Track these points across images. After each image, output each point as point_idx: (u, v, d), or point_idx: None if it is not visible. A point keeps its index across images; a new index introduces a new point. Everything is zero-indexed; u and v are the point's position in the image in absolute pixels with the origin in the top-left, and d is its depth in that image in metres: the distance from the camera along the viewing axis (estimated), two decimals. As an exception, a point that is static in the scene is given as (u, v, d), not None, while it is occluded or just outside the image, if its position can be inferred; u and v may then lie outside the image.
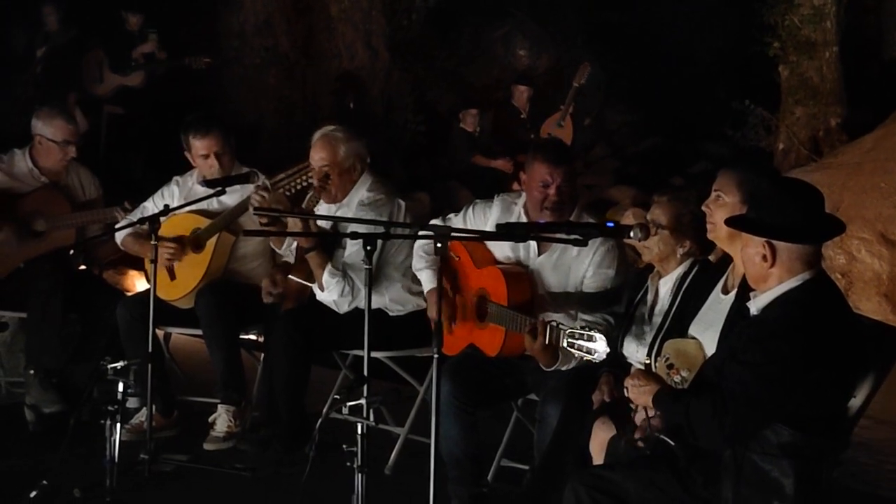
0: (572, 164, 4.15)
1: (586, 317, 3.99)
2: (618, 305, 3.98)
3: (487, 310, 4.06)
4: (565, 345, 3.55)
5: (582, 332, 3.50)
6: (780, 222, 2.92)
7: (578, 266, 4.05)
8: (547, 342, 3.67)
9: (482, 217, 4.28)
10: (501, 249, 4.18)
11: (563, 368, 3.84)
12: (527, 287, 4.03)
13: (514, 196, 4.28)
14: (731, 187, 3.38)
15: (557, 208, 4.05)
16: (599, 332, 3.47)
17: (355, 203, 4.62)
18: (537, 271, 4.08)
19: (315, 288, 4.60)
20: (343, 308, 4.56)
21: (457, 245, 4.25)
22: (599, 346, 3.44)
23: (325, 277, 4.50)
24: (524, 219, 4.14)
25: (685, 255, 3.68)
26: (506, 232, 3.72)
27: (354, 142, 4.64)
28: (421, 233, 4.25)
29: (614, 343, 3.72)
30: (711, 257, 3.67)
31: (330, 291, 4.52)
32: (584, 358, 3.49)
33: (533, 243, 4.08)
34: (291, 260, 4.86)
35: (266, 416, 4.84)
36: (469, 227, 4.28)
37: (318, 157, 4.60)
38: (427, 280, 4.33)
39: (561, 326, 3.60)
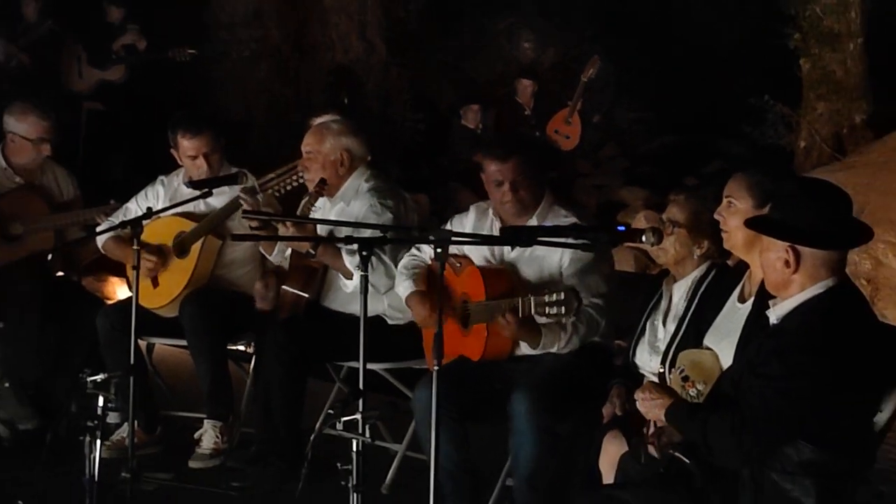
0: (525, 155, 4.09)
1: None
2: (606, 294, 3.97)
3: (469, 312, 4.07)
4: (535, 313, 3.61)
5: (550, 296, 3.55)
6: (806, 225, 2.92)
7: (552, 255, 4.04)
8: (521, 315, 3.69)
9: (460, 228, 4.32)
10: (478, 252, 4.22)
11: (554, 350, 3.86)
12: (504, 279, 4.04)
13: (487, 202, 4.30)
14: (742, 192, 3.40)
15: (517, 209, 4.04)
16: (567, 293, 3.51)
17: (350, 197, 4.63)
18: (514, 265, 4.11)
19: (342, 282, 4.55)
20: (381, 290, 4.49)
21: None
22: (566, 296, 3.50)
23: (349, 259, 4.43)
24: (497, 224, 4.19)
25: (702, 258, 3.68)
26: (510, 237, 3.72)
27: (347, 137, 4.67)
28: (419, 235, 4.25)
29: (610, 343, 3.73)
30: (730, 262, 3.67)
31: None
32: (559, 314, 3.53)
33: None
34: (285, 266, 4.84)
35: (260, 432, 4.83)
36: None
37: (304, 143, 4.67)
38: (406, 287, 4.32)
39: (530, 296, 3.64)
